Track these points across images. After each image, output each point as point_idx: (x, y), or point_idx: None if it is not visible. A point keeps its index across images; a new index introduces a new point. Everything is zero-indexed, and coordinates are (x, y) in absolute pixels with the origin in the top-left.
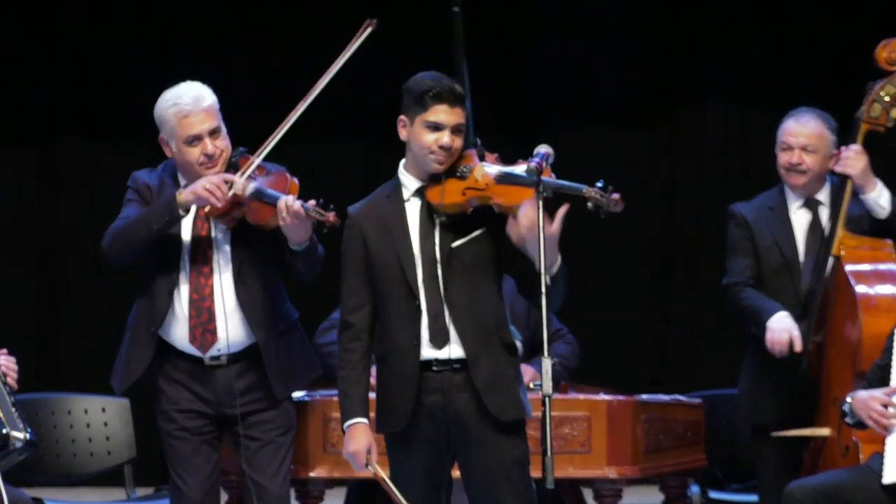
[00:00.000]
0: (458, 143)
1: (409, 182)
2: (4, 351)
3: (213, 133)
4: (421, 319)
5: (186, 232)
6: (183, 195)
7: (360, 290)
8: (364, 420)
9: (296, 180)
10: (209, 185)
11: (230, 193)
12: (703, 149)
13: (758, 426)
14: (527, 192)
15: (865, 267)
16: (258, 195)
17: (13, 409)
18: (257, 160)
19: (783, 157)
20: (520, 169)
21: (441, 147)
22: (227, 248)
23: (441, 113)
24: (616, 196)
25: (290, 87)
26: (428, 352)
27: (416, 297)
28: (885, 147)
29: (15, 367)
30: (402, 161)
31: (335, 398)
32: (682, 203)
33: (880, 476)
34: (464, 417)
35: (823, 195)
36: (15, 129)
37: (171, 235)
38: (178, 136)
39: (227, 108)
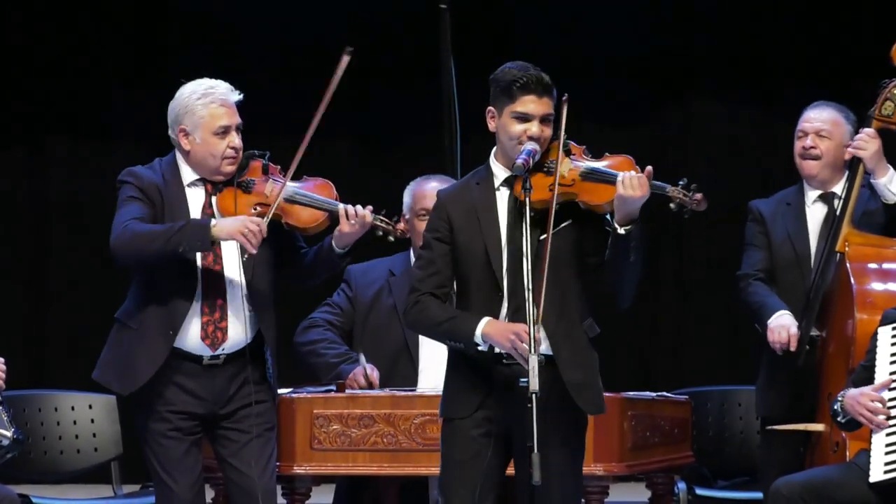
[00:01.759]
0: (547, 132)
1: (499, 171)
2: None
3: (238, 129)
4: (501, 310)
5: None
6: (217, 228)
7: (445, 270)
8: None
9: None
10: (246, 232)
11: (265, 228)
12: (691, 146)
13: (765, 420)
14: (612, 190)
15: (868, 265)
16: (306, 200)
17: (0, 408)
18: (293, 168)
19: (798, 144)
20: (604, 164)
21: (530, 138)
22: (241, 247)
23: (529, 103)
24: (699, 196)
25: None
26: None
27: (500, 288)
28: None
29: (3, 367)
30: (494, 149)
31: (321, 395)
32: (668, 200)
33: (867, 473)
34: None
35: (839, 188)
36: (1, 129)
37: None
38: (208, 125)
39: None
